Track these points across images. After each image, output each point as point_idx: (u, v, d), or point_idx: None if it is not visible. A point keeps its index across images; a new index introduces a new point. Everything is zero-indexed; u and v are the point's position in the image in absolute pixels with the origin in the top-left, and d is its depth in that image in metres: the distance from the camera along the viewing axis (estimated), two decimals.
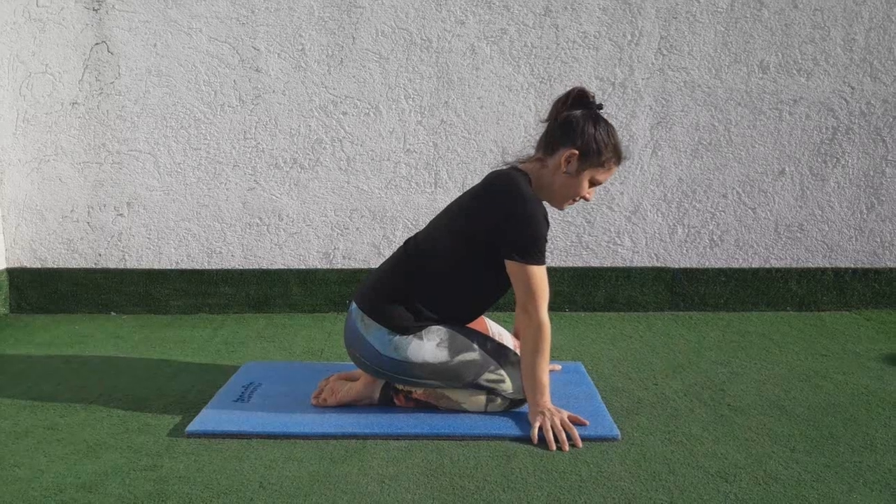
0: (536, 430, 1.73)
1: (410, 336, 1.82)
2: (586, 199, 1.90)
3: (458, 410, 1.88)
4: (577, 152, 1.79)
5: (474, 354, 1.83)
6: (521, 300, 1.79)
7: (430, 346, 1.81)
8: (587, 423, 1.79)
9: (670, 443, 1.74)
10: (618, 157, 1.85)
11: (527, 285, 1.76)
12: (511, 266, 1.78)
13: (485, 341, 1.87)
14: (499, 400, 1.86)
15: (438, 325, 1.85)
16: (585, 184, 1.85)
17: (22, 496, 1.48)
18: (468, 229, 1.81)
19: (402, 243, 1.98)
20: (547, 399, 1.79)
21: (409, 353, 1.80)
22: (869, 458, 1.65)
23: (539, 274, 1.77)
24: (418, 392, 1.89)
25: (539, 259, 1.77)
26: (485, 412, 1.87)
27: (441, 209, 2.08)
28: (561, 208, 1.91)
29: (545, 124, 1.88)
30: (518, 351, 1.91)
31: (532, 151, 1.93)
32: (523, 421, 1.83)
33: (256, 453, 1.68)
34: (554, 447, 1.68)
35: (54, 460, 1.65)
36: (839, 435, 1.78)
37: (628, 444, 1.73)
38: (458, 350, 1.82)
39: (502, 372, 1.84)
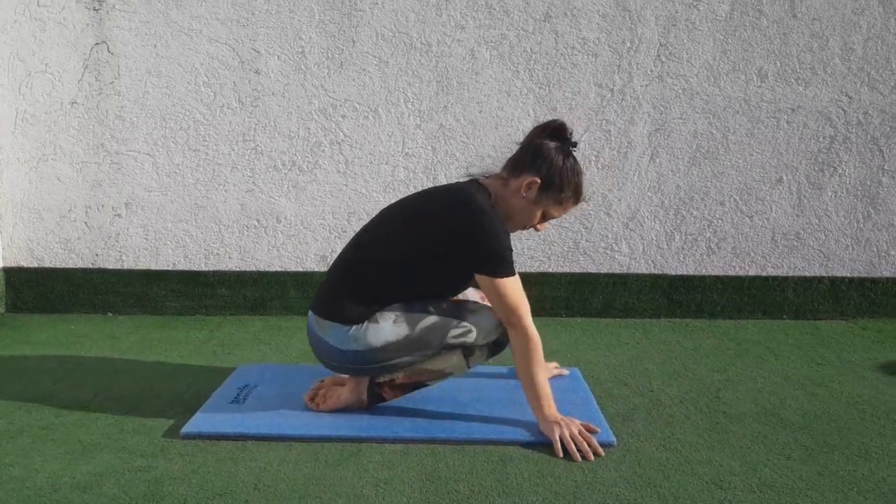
0: (559, 445, 1.71)
1: (365, 323, 1.80)
2: (536, 230, 1.91)
3: (444, 378, 1.87)
4: (539, 181, 1.81)
5: (433, 318, 1.81)
6: (502, 316, 1.79)
7: (386, 325, 1.80)
8: (598, 430, 1.79)
9: (665, 449, 1.74)
10: (577, 197, 1.86)
11: (501, 299, 1.76)
12: (481, 281, 1.77)
13: (439, 303, 1.85)
14: (476, 351, 1.85)
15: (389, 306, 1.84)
16: (538, 214, 1.87)
17: (16, 495, 1.48)
18: (424, 233, 1.79)
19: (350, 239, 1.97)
20: (554, 408, 1.78)
21: (369, 340, 1.79)
22: (863, 467, 1.65)
23: (511, 285, 1.76)
24: (400, 377, 1.88)
25: (508, 270, 1.76)
26: (468, 368, 1.87)
27: None
28: (510, 231, 1.89)
29: (517, 145, 1.90)
30: (482, 301, 1.90)
31: (491, 167, 1.94)
32: (520, 426, 1.83)
33: (251, 455, 1.68)
34: (579, 458, 1.67)
35: (49, 460, 1.64)
36: (834, 443, 1.79)
37: (624, 449, 1.74)
38: (415, 319, 1.81)
39: (466, 324, 1.81)
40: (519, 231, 1.94)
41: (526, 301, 1.78)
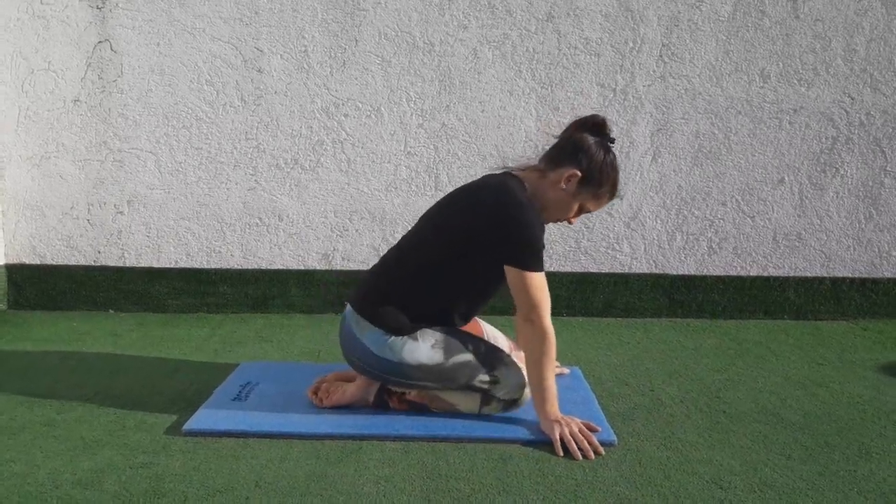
0: (559, 444, 1.71)
1: (405, 337, 1.82)
2: (570, 223, 1.93)
3: (452, 412, 1.89)
4: (579, 174, 1.81)
5: (468, 356, 1.83)
6: (522, 309, 1.78)
7: (425, 347, 1.81)
8: (599, 429, 1.79)
9: (666, 448, 1.74)
10: (613, 192, 1.88)
11: (527, 293, 1.75)
12: (510, 273, 1.77)
13: (479, 343, 1.87)
14: (493, 402, 1.86)
15: (433, 326, 1.85)
16: (575, 207, 1.88)
17: (18, 491, 1.48)
18: (461, 230, 1.80)
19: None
20: (556, 407, 1.78)
21: (404, 355, 1.80)
22: (864, 468, 1.65)
23: (538, 281, 1.76)
24: (412, 394, 1.89)
25: (538, 266, 1.76)
26: (479, 414, 1.88)
27: None
28: (545, 223, 1.90)
29: (549, 136, 1.90)
30: (512, 353, 1.91)
31: (527, 160, 1.94)
32: (520, 424, 1.83)
33: (253, 452, 1.68)
34: (580, 456, 1.67)
35: (51, 456, 1.65)
36: (834, 443, 1.79)
37: (624, 448, 1.74)
38: (452, 352, 1.82)
39: (496, 374, 1.84)
40: (550, 224, 1.94)
41: (549, 299, 1.78)
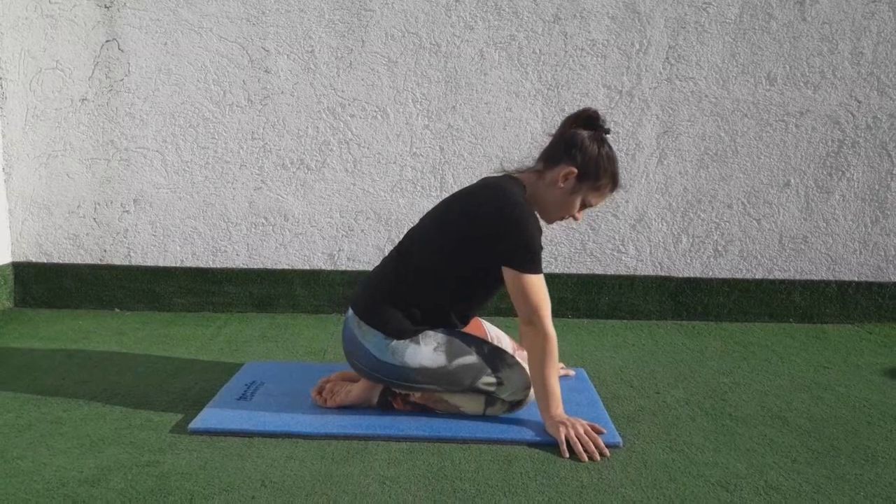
0: (565, 445, 1.70)
1: (407, 340, 1.81)
2: (575, 219, 1.92)
3: (456, 414, 1.88)
4: (575, 170, 1.80)
5: (472, 358, 1.83)
6: (523, 313, 1.77)
7: (427, 350, 1.81)
8: (605, 431, 1.78)
9: (671, 451, 1.74)
10: (614, 184, 1.86)
11: (525, 296, 1.75)
12: (507, 276, 1.77)
13: (482, 345, 1.86)
14: (497, 404, 1.86)
15: (435, 329, 1.85)
16: (577, 203, 1.87)
17: (24, 489, 1.49)
18: (459, 232, 1.80)
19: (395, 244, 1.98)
20: (561, 409, 1.78)
21: (406, 358, 1.80)
22: (870, 471, 1.65)
23: (537, 283, 1.75)
24: (416, 395, 1.89)
25: (535, 268, 1.75)
26: (483, 415, 1.88)
27: None
28: (549, 222, 1.91)
29: (551, 137, 1.89)
30: (516, 353, 1.91)
31: (532, 163, 1.93)
32: (526, 425, 1.83)
33: (258, 452, 1.68)
34: (585, 458, 1.67)
35: (57, 454, 1.65)
36: (840, 447, 1.78)
37: (629, 451, 1.74)
38: (455, 354, 1.82)
39: (500, 376, 1.83)
40: (556, 223, 1.94)
41: (548, 301, 1.77)
